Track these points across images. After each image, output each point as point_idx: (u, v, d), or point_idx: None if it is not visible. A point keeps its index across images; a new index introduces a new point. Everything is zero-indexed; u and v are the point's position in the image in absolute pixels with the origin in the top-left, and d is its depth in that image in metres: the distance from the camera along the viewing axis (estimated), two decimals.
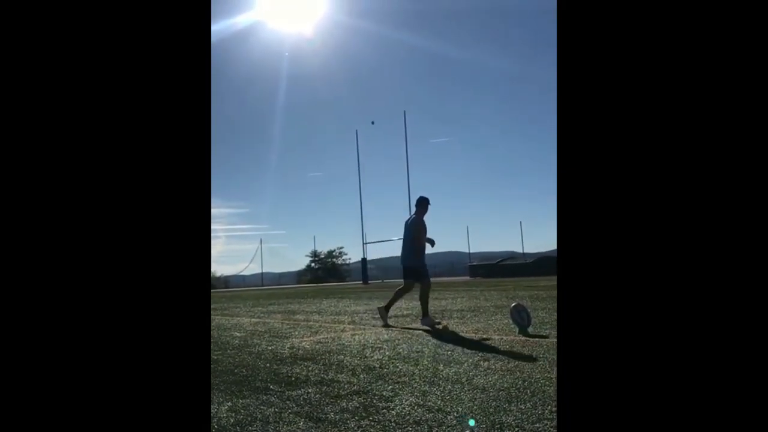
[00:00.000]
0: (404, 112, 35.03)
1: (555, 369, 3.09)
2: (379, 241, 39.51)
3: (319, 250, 51.98)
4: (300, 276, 51.19)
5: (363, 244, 37.26)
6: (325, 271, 50.39)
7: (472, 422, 2.11)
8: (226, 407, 2.56)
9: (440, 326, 5.57)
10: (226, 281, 42.50)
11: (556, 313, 6.43)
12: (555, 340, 4.30)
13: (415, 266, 6.06)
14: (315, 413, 2.40)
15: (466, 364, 3.40)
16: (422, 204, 6.23)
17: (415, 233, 6.08)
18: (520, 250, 42.20)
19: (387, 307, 6.26)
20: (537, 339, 4.40)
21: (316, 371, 3.41)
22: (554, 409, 2.27)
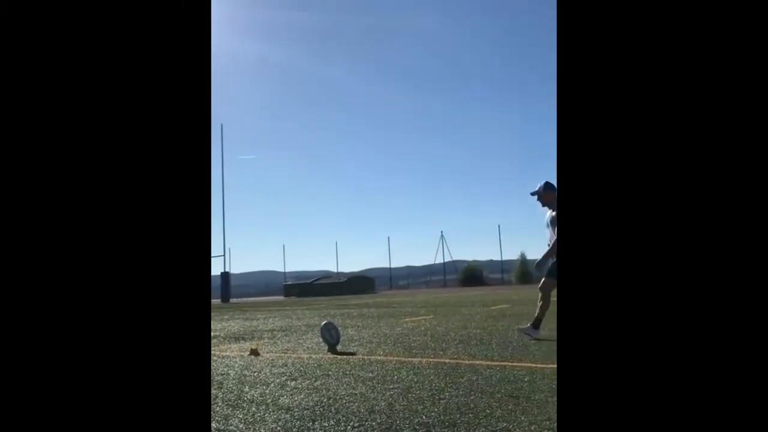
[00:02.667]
0: (221, 125, 33.84)
1: (359, 384, 3.18)
2: None
3: None
4: None
5: None
6: None
7: None
8: None
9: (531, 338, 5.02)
10: None
11: (365, 330, 6.67)
12: (361, 356, 4.43)
13: None
14: None
15: (272, 385, 3.32)
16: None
17: None
18: (335, 269, 43.19)
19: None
20: (345, 356, 4.49)
21: None
22: (356, 424, 2.32)
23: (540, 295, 5.22)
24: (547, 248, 5.20)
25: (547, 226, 5.23)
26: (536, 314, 5.15)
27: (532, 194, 5.30)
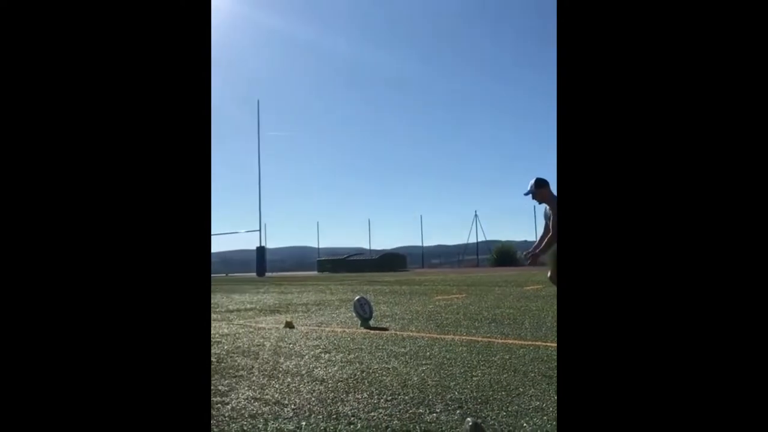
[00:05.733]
0: (258, 101, 34.07)
1: (392, 359, 3.22)
2: (225, 233, 38.08)
3: None
4: None
5: None
6: None
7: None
8: None
9: None
10: None
11: (397, 307, 6.72)
12: (394, 332, 4.47)
13: None
14: None
15: (306, 357, 3.39)
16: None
17: None
18: (368, 246, 43.46)
19: None
20: (377, 331, 4.54)
21: None
22: (389, 397, 2.35)
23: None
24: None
25: (545, 217, 5.08)
26: None
27: (526, 194, 5.06)
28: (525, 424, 1.93)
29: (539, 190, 5.05)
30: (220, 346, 3.92)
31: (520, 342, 3.78)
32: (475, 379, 2.66)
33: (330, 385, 2.60)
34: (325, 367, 3.06)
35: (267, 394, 2.46)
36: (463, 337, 4.06)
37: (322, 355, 3.45)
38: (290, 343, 3.97)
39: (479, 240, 39.91)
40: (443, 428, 1.91)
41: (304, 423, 2.02)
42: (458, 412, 2.10)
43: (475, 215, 39.55)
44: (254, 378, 2.82)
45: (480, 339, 3.97)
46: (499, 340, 3.88)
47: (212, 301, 8.68)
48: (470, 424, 1.77)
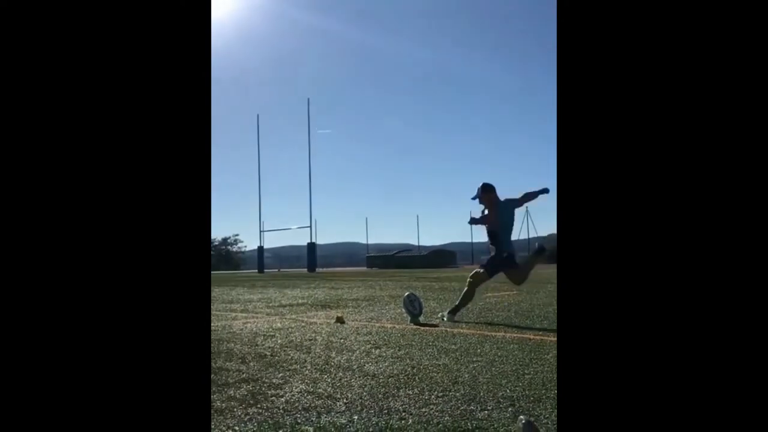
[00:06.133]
0: (308, 99, 34.60)
1: (442, 356, 3.21)
2: (277, 230, 38.91)
3: (212, 237, 50.41)
4: None
5: (260, 232, 36.47)
6: (218, 258, 48.85)
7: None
8: None
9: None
10: None
11: (447, 303, 6.70)
12: (444, 328, 4.46)
13: None
14: None
15: (357, 352, 3.43)
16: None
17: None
18: (416, 243, 43.42)
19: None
20: (427, 327, 4.54)
21: None
22: (440, 393, 2.35)
23: (467, 282, 5.28)
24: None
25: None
26: (457, 303, 5.22)
27: (473, 199, 5.39)
28: None
29: (485, 194, 5.38)
30: (273, 340, 4.02)
31: None
32: (527, 376, 2.63)
33: (381, 380, 2.63)
34: (376, 362, 3.09)
35: (319, 388, 2.51)
36: (515, 335, 4.01)
37: (373, 350, 3.48)
38: (341, 338, 4.03)
39: (530, 236, 39.30)
40: (495, 425, 1.90)
41: (356, 417, 2.05)
42: (510, 409, 2.09)
43: (527, 211, 38.91)
44: (307, 372, 2.88)
45: (532, 336, 3.91)
46: (552, 338, 3.80)
47: (265, 296, 8.89)
48: (523, 422, 1.75)
